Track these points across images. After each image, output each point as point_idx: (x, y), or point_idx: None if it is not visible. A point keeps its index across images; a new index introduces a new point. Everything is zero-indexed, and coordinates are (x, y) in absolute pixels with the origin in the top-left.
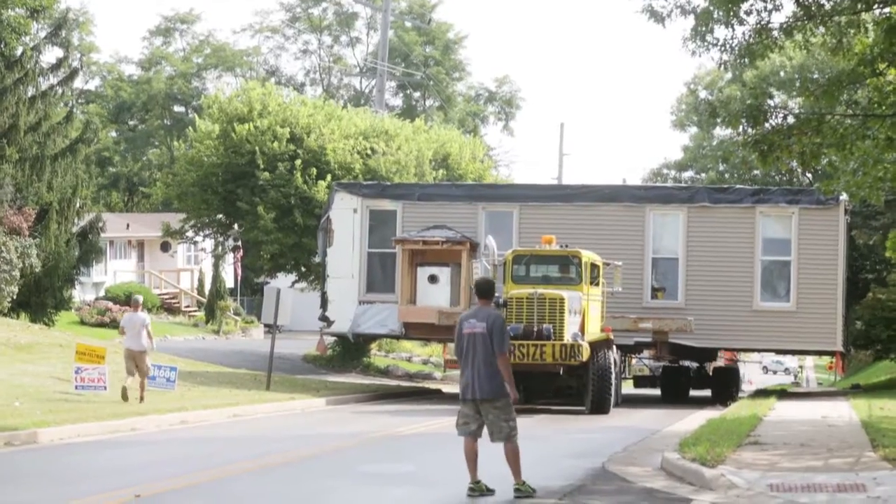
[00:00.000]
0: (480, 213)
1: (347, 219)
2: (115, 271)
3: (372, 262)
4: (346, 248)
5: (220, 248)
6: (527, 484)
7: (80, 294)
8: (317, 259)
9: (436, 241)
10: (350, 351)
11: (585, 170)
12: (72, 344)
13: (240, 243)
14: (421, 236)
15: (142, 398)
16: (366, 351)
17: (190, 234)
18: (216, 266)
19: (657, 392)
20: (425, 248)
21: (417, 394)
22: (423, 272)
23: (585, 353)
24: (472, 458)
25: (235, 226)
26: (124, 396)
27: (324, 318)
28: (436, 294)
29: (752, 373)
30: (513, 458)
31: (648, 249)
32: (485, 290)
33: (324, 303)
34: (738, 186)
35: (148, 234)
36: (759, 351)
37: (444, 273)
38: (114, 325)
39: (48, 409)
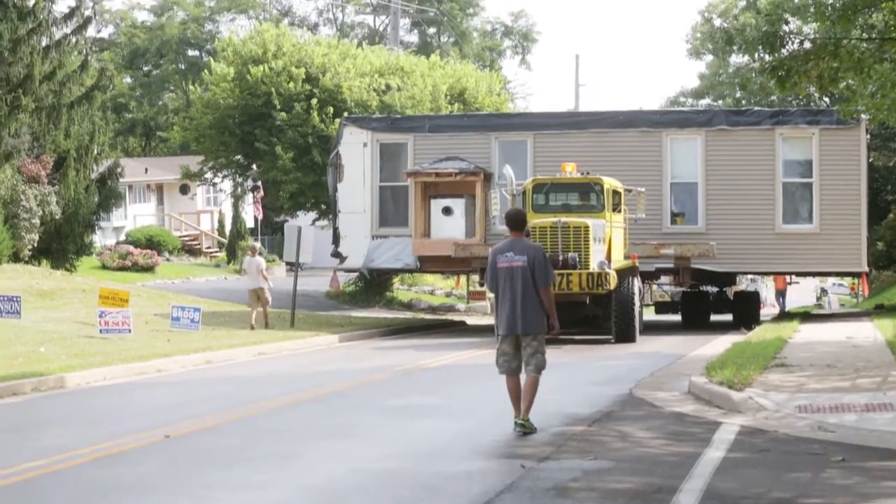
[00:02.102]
0: (493, 143)
1: (357, 153)
2: (135, 215)
3: (384, 196)
4: (356, 183)
5: (239, 188)
6: (531, 422)
7: (101, 239)
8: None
9: (449, 172)
10: (372, 286)
11: (602, 101)
12: (94, 289)
13: (259, 183)
14: (433, 168)
15: (267, 324)
16: (388, 285)
17: (209, 175)
18: (236, 206)
19: (677, 318)
20: (438, 180)
21: (441, 326)
22: (437, 204)
23: (613, 282)
24: (516, 396)
25: (254, 166)
26: (252, 327)
27: (336, 255)
28: (450, 226)
29: (801, 295)
30: (532, 391)
31: (667, 175)
32: (518, 221)
33: (336, 239)
34: (756, 109)
35: (166, 177)
36: (784, 274)
37: (458, 205)
38: (135, 268)
39: (74, 353)
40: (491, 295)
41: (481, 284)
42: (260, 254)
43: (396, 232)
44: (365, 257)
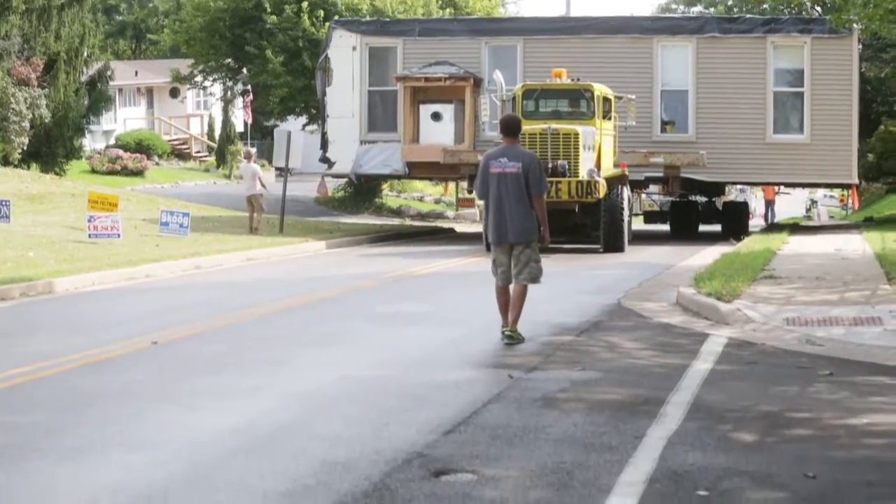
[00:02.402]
0: (483, 48)
1: (346, 57)
2: (124, 119)
3: (373, 100)
4: (345, 88)
5: (229, 92)
6: (519, 332)
7: (91, 143)
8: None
9: (438, 77)
10: (361, 192)
11: (594, 7)
12: (84, 193)
13: (249, 87)
14: (423, 73)
15: (257, 229)
16: (377, 192)
17: (199, 79)
18: (226, 111)
19: (666, 228)
20: (427, 84)
21: (430, 233)
22: (426, 110)
23: (602, 190)
24: (505, 305)
25: (244, 70)
26: (253, 230)
27: (324, 160)
28: (439, 132)
29: (791, 207)
30: (520, 301)
31: (657, 82)
32: (512, 127)
33: (324, 144)
34: (748, 16)
35: (156, 80)
36: (774, 185)
37: (447, 110)
38: (125, 172)
39: (63, 258)
40: (481, 202)
41: (470, 191)
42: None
43: (385, 137)
44: (353, 163)
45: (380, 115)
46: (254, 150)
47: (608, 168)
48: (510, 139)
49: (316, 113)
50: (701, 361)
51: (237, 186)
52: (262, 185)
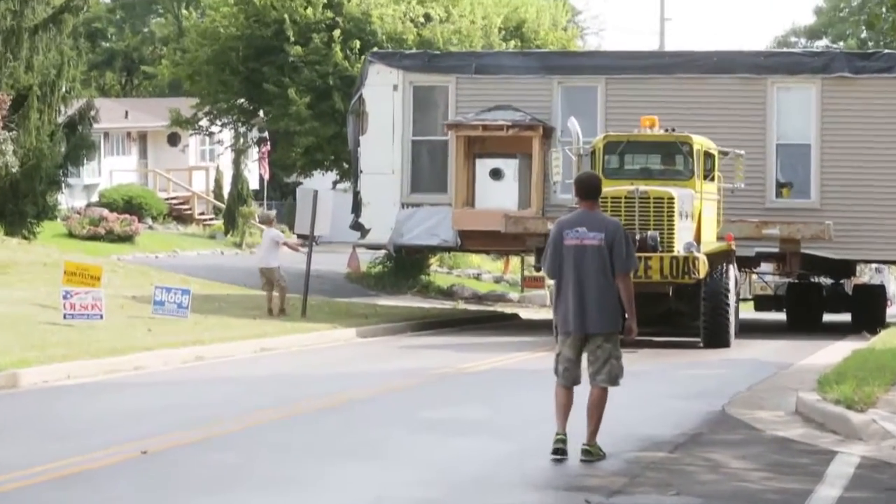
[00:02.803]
0: (556, 88)
1: (385, 98)
2: (111, 171)
3: (417, 153)
4: (383, 136)
5: (241, 140)
6: (598, 446)
7: (69, 200)
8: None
9: (499, 125)
10: (403, 268)
11: (692, 39)
12: (58, 262)
13: (266, 135)
14: (480, 119)
15: (283, 309)
16: (423, 267)
17: (204, 123)
18: (237, 163)
19: (782, 316)
20: (486, 134)
21: (489, 320)
22: (484, 166)
23: (703, 269)
24: (565, 411)
25: (261, 113)
26: (270, 312)
27: (357, 227)
28: (500, 193)
29: None
30: (599, 408)
31: (771, 134)
32: (591, 187)
33: (356, 206)
34: (886, 52)
35: (152, 123)
36: None
37: (510, 166)
38: (110, 237)
39: (31, 344)
40: (552, 281)
41: (538, 269)
42: (275, 225)
43: (432, 199)
44: (392, 231)
45: (426, 171)
46: (273, 213)
47: (710, 241)
48: (588, 203)
49: (348, 168)
50: (827, 486)
51: (250, 258)
52: (293, 247)
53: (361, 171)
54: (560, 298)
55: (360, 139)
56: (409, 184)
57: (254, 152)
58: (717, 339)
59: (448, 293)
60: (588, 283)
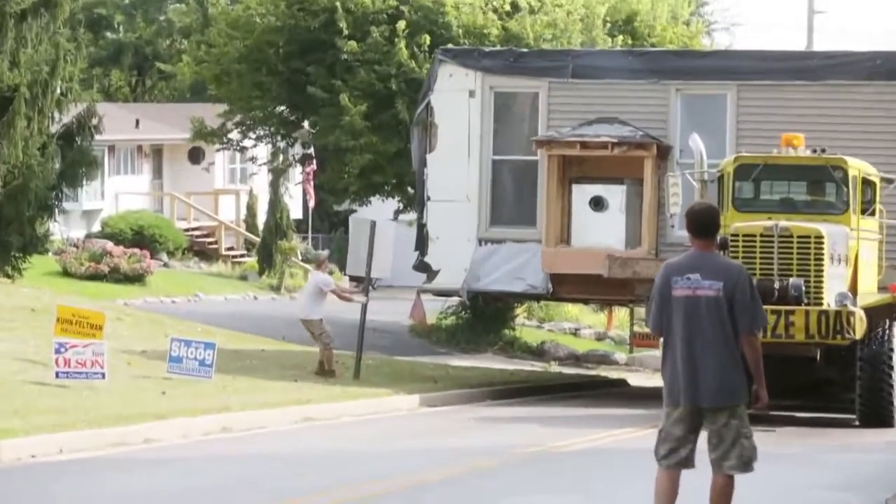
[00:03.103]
0: (674, 97)
1: (459, 106)
2: (116, 194)
3: (499, 176)
4: (456, 155)
5: (281, 158)
6: None
7: (63, 229)
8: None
9: (602, 142)
10: (482, 319)
11: (847, 38)
12: (50, 307)
13: (312, 151)
14: (578, 135)
15: (330, 371)
16: (507, 320)
17: (234, 136)
18: (275, 186)
19: None
20: (585, 153)
21: (588, 386)
22: (582, 193)
23: (859, 327)
24: (669, 501)
25: (305, 124)
26: (321, 366)
27: (422, 267)
28: (602, 228)
29: None
30: (725, 501)
31: None
32: (707, 223)
33: (421, 242)
34: None
35: (169, 135)
36: None
37: (614, 194)
38: (115, 276)
39: (14, 409)
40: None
41: (647, 322)
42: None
43: (517, 234)
44: (467, 273)
45: (509, 199)
46: (325, 254)
47: (869, 292)
48: (703, 242)
49: (413, 194)
50: None
51: (291, 305)
52: (345, 296)
53: (429, 198)
54: (667, 361)
55: (426, 158)
56: (488, 214)
57: (296, 173)
58: (876, 415)
59: (538, 352)
60: (702, 344)
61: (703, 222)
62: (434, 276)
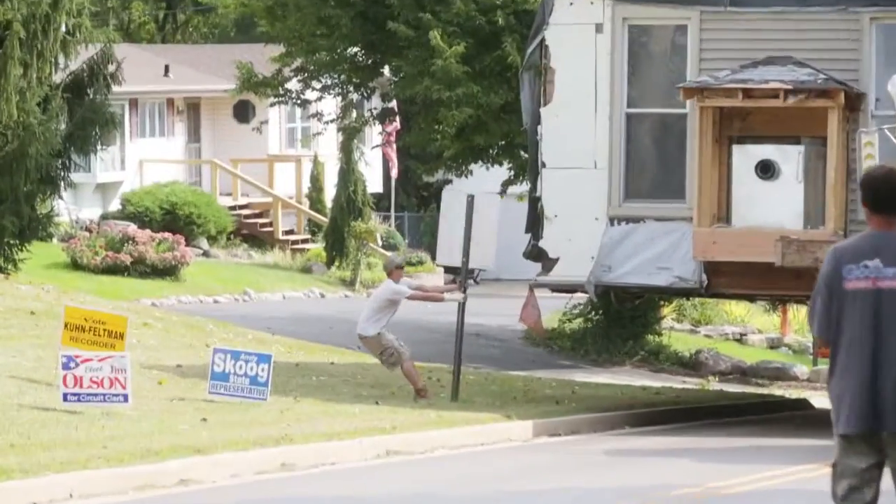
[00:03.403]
0: (868, 29)
1: (583, 45)
2: (141, 162)
3: (636, 135)
4: (579, 108)
5: (354, 114)
6: None
7: (73, 209)
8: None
9: (772, 89)
10: (619, 322)
11: None
12: (55, 309)
13: (394, 105)
14: (740, 81)
15: (418, 389)
16: (651, 323)
17: (294, 86)
18: (347, 152)
19: None
20: (749, 104)
21: (758, 409)
22: (746, 156)
23: None
24: None
25: (385, 70)
26: (418, 394)
27: (535, 254)
28: (774, 202)
29: None
30: None
31: None
32: (890, 194)
33: (534, 223)
34: None
35: (208, 86)
36: None
37: (789, 158)
38: (140, 269)
39: (11, 442)
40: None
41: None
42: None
43: (660, 210)
44: (595, 262)
45: (649, 165)
46: (400, 261)
47: None
48: (885, 219)
49: (525, 160)
50: None
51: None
52: (431, 296)
53: (544, 165)
54: (837, 374)
55: (540, 112)
56: (621, 186)
57: (373, 133)
58: None
59: (691, 364)
60: (884, 351)
61: (884, 192)
62: (551, 267)
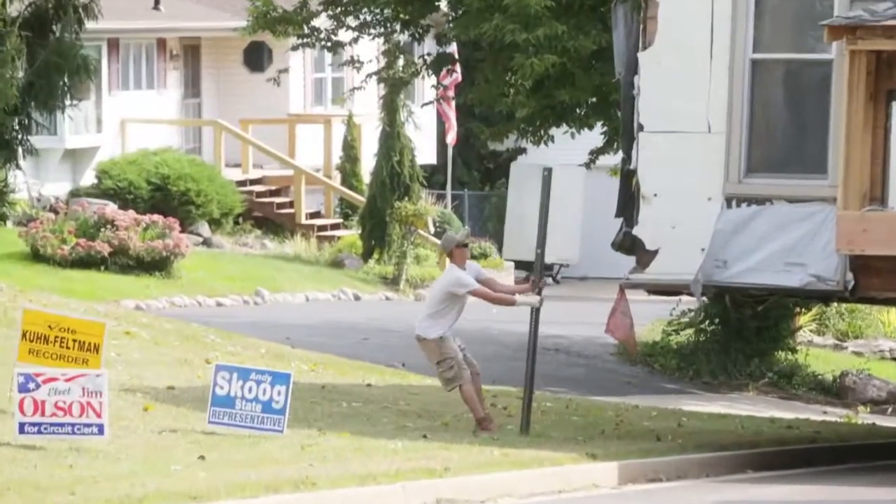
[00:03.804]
0: None
1: None
2: (122, 122)
3: (763, 89)
4: (689, 54)
5: (400, 62)
6: None
7: (34, 183)
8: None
9: None
10: (741, 335)
11: None
12: (9, 313)
13: (454, 51)
14: None
15: (479, 418)
16: (782, 334)
17: (322, 23)
18: (391, 110)
19: None
20: None
21: None
22: None
23: None
24: None
25: (442, 3)
26: (480, 424)
27: (627, 244)
28: None
29: None
30: None
31: None
32: None
33: (627, 203)
34: None
35: (209, 23)
36: None
37: None
38: (121, 261)
39: None
40: None
41: None
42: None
43: (792, 189)
44: (706, 255)
45: (779, 129)
46: (463, 233)
47: None
48: None
49: (617, 123)
50: None
51: (417, 308)
52: (498, 297)
53: (641, 128)
54: None
55: (638, 59)
56: (743, 156)
57: (426, 88)
58: None
59: (835, 391)
60: None
61: None
62: (648, 261)
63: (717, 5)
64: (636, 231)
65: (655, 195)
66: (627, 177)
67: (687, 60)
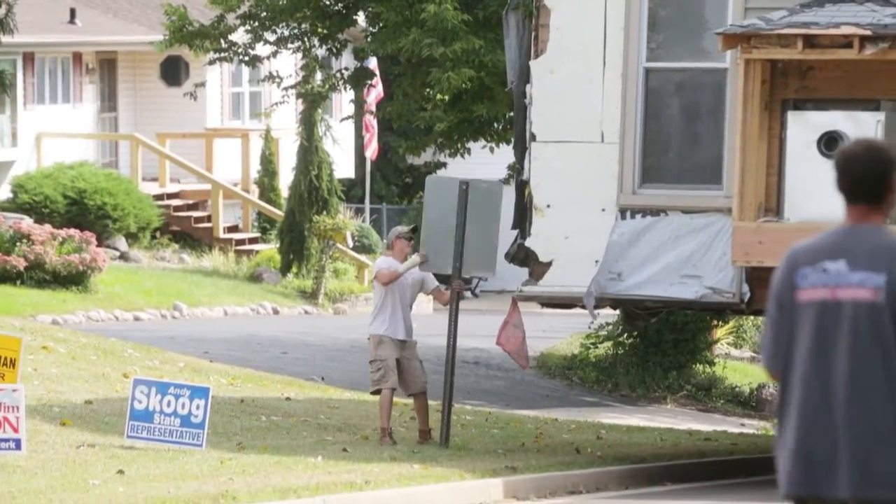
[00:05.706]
0: None
1: None
2: (38, 136)
3: (657, 98)
4: (582, 61)
5: (319, 76)
6: None
7: None
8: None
9: (843, 35)
10: (659, 345)
11: None
12: None
13: (373, 65)
14: (800, 24)
15: (426, 432)
16: (699, 346)
17: (241, 37)
18: (309, 125)
19: None
20: (812, 56)
21: None
22: (806, 127)
23: None
24: None
25: (360, 18)
26: (422, 435)
27: (521, 256)
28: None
29: None
30: None
31: None
32: (868, 176)
33: (522, 216)
34: None
35: (127, 37)
36: None
37: (864, 127)
38: (37, 275)
39: None
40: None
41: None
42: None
43: (687, 199)
44: (600, 266)
45: (674, 138)
46: (407, 228)
47: None
48: (861, 209)
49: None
50: None
51: (336, 322)
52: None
53: (534, 138)
54: (785, 418)
55: (530, 67)
56: (637, 166)
57: (344, 102)
58: None
59: (752, 403)
60: (844, 388)
61: (860, 174)
62: (542, 273)
63: (611, 13)
64: (529, 242)
65: (548, 206)
66: (521, 188)
67: (579, 69)
